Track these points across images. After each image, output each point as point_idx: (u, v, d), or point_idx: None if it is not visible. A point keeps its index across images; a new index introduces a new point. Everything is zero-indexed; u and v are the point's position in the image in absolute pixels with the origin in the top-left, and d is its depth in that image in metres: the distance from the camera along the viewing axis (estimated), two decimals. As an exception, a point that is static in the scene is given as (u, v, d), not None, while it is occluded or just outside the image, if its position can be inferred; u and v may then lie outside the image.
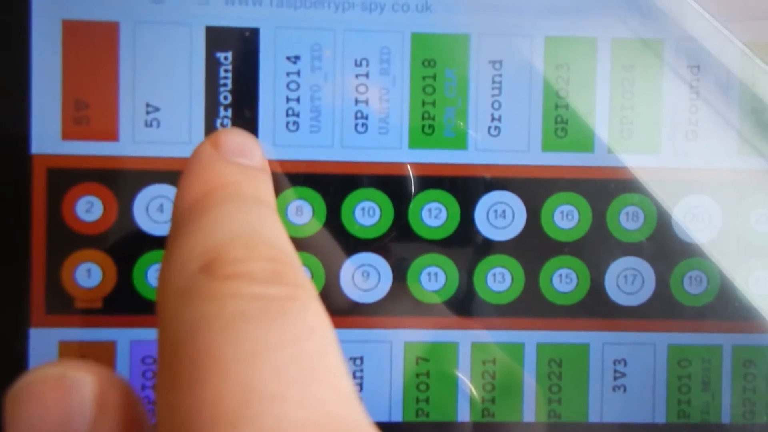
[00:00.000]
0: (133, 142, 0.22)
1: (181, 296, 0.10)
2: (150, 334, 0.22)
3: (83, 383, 0.10)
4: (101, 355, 0.22)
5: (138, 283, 0.22)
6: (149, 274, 0.22)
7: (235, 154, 0.13)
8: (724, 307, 0.24)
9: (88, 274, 0.22)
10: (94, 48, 0.22)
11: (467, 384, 0.23)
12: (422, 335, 0.23)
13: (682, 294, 0.24)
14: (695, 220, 0.24)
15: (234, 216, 0.11)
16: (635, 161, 0.23)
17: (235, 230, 0.11)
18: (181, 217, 0.12)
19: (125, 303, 0.22)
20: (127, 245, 0.22)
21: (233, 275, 0.10)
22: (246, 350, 0.09)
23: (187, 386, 0.09)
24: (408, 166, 0.23)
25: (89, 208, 0.22)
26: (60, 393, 0.10)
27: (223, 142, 0.13)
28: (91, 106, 0.22)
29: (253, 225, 0.11)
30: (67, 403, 0.10)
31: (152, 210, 0.22)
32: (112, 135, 0.22)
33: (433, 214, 0.23)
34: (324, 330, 0.10)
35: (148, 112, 0.22)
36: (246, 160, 0.13)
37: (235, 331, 0.09)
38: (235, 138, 0.13)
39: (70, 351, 0.22)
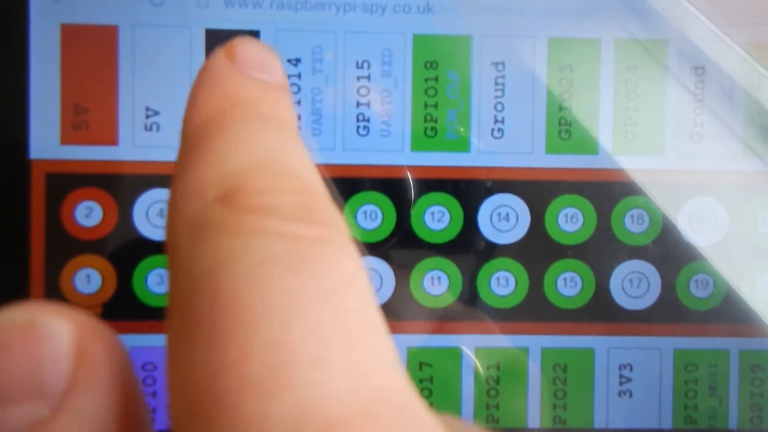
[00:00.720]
0: (133, 146, 0.22)
1: (196, 230, 0.09)
2: (151, 340, 0.22)
3: (57, 331, 0.09)
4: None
5: (138, 289, 0.22)
6: (149, 279, 0.22)
7: (253, 67, 0.11)
8: (731, 310, 0.23)
9: (88, 279, 0.22)
10: (93, 52, 0.22)
11: (470, 388, 0.23)
12: (425, 340, 0.23)
13: (688, 298, 0.23)
14: (701, 223, 0.23)
15: (255, 139, 0.10)
16: (640, 163, 0.23)
17: (257, 156, 0.09)
18: (192, 136, 0.10)
19: (125, 309, 0.22)
20: (127, 250, 0.22)
21: (258, 208, 0.09)
22: (278, 302, 0.08)
23: (207, 342, 0.08)
24: (406, 170, 0.23)
25: (88, 213, 0.22)
26: (29, 342, 0.09)
27: (240, 54, 0.11)
28: (90, 111, 0.22)
29: (277, 151, 0.10)
30: (38, 354, 0.09)
31: (152, 215, 0.22)
32: (111, 139, 0.22)
33: (436, 218, 0.23)
34: (363, 280, 0.09)
35: (147, 116, 0.22)
36: (265, 75, 0.11)
37: (263, 278, 0.08)
38: (253, 49, 0.11)
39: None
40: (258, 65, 0.11)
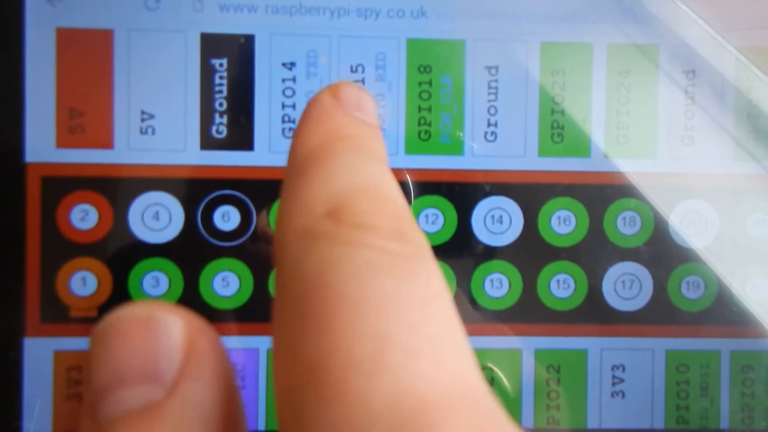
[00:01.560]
0: (128, 149, 0.22)
1: (306, 237, 0.10)
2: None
3: (172, 326, 0.10)
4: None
5: (134, 291, 0.22)
6: (145, 282, 0.22)
7: (353, 107, 0.13)
8: (722, 312, 0.24)
9: (83, 282, 0.22)
10: (88, 56, 0.22)
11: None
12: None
13: (680, 299, 0.24)
14: (692, 225, 0.24)
15: (358, 168, 0.11)
16: (631, 166, 0.23)
17: (359, 182, 0.11)
18: (301, 161, 0.12)
19: (121, 311, 0.22)
20: (123, 253, 0.22)
21: (361, 225, 0.10)
22: (379, 300, 0.09)
23: (317, 329, 0.09)
24: (405, 172, 0.23)
25: (84, 217, 0.22)
26: (148, 333, 0.10)
27: (344, 95, 0.13)
28: (85, 114, 0.22)
29: (375, 179, 0.11)
30: (155, 344, 0.10)
31: (148, 218, 0.22)
32: (107, 143, 0.22)
33: (430, 220, 0.23)
34: (448, 295, 0.10)
35: (143, 120, 0.22)
36: (363, 115, 0.13)
37: (367, 280, 0.09)
38: (354, 92, 0.13)
39: (65, 361, 0.22)
40: (357, 106, 0.13)
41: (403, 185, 0.23)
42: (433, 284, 0.10)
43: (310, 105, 0.12)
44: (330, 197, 0.10)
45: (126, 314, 0.10)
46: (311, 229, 0.10)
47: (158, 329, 0.10)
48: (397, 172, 0.23)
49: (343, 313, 0.09)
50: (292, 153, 0.12)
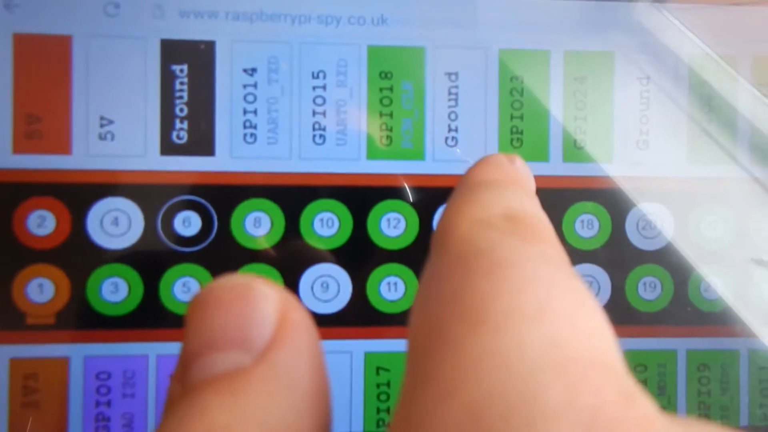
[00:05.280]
0: (87, 155, 0.22)
1: (481, 224, 0.11)
2: (105, 349, 0.22)
3: (267, 297, 0.11)
4: (54, 371, 0.22)
5: (92, 298, 0.22)
6: (104, 287, 0.22)
7: (522, 174, 0.15)
8: (678, 312, 0.24)
9: (40, 289, 0.22)
10: (46, 61, 0.22)
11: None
12: (382, 345, 0.23)
13: (637, 300, 0.24)
14: (648, 228, 0.24)
15: (527, 200, 0.13)
16: (589, 170, 0.24)
17: (530, 208, 0.13)
18: (480, 181, 0.14)
19: (79, 318, 0.22)
20: (81, 259, 0.22)
21: (533, 232, 0.11)
22: (545, 277, 0.10)
23: (484, 279, 0.10)
24: (362, 178, 0.23)
25: (41, 223, 0.22)
26: (243, 302, 0.10)
27: (517, 163, 0.15)
28: (43, 120, 0.22)
29: (542, 213, 0.13)
30: (249, 313, 0.10)
31: (107, 223, 0.22)
32: (64, 148, 0.22)
33: (392, 224, 0.23)
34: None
35: (102, 125, 0.22)
36: (529, 184, 0.15)
37: (535, 263, 0.10)
38: (525, 166, 0.15)
39: (21, 368, 0.22)
40: (525, 175, 0.15)
41: (361, 190, 0.23)
42: (583, 285, 0.11)
43: (487, 157, 0.15)
44: (506, 208, 0.12)
45: (224, 283, 0.11)
46: (488, 220, 0.12)
47: (254, 299, 0.10)
48: (359, 177, 0.23)
49: (510, 274, 0.10)
50: (469, 177, 0.14)
